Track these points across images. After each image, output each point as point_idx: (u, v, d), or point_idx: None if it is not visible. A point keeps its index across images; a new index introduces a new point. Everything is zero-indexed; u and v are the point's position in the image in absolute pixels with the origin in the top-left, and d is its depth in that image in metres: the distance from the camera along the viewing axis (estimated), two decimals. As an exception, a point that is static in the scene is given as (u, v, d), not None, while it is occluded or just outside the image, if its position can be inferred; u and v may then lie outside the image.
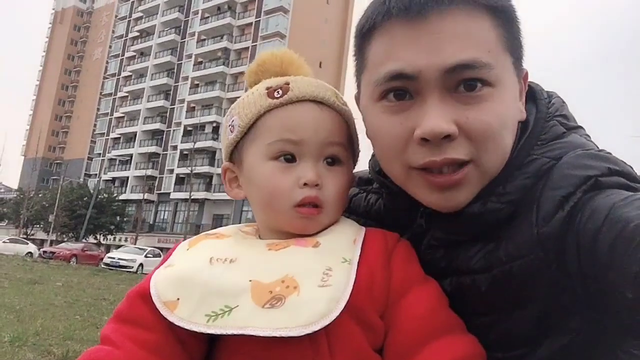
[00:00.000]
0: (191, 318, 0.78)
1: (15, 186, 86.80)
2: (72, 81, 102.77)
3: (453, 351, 0.79)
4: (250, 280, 0.79)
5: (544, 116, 0.92)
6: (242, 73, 66.58)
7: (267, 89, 0.93)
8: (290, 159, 0.89)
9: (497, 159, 0.84)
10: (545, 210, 0.79)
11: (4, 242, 35.21)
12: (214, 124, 63.35)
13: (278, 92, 0.91)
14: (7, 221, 70.39)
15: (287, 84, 0.92)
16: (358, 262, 0.84)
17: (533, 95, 0.96)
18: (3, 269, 14.69)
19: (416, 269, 0.88)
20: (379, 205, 1.05)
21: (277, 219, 0.91)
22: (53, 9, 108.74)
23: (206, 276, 0.81)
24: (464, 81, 0.80)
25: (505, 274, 0.82)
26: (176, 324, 0.79)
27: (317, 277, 0.80)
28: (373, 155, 1.03)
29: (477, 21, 0.81)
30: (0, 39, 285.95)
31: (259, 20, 66.77)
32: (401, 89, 0.83)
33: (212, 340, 0.83)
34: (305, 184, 0.87)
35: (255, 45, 66.08)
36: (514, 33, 0.86)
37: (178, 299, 0.81)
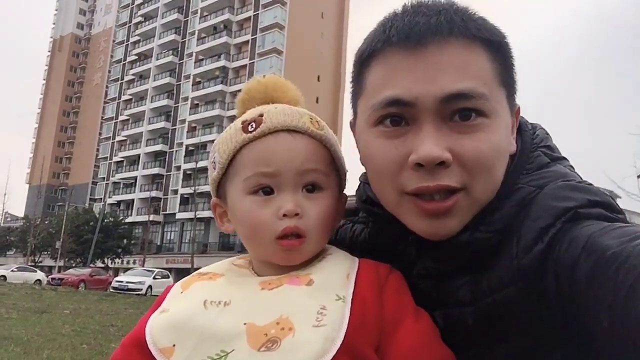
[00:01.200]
0: None
1: (21, 214, 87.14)
2: (73, 107, 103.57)
3: None
4: (245, 324, 0.79)
5: (528, 147, 0.94)
6: (240, 91, 66.87)
7: (242, 123, 0.93)
8: (269, 191, 0.89)
9: (489, 188, 0.86)
10: (524, 241, 0.80)
11: (12, 270, 35.33)
12: (216, 143, 63.48)
13: (252, 125, 0.91)
14: (14, 249, 70.62)
15: (261, 115, 0.92)
16: (352, 299, 0.84)
17: (518, 126, 0.98)
18: (11, 299, 14.75)
19: (408, 301, 0.88)
20: (364, 235, 1.05)
21: (261, 252, 0.92)
22: (51, 37, 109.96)
23: (201, 321, 0.81)
24: (459, 111, 0.82)
25: (489, 306, 0.82)
26: None
27: (312, 317, 0.80)
28: (360, 185, 1.05)
29: (474, 54, 0.83)
30: (0, 68, 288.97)
31: (255, 37, 67.31)
32: (397, 115, 0.84)
33: None
34: (284, 215, 0.87)
35: (253, 62, 66.61)
36: (509, 68, 0.89)
37: (174, 345, 0.81)
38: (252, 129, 0.91)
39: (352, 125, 0.99)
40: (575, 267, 0.72)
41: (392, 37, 0.84)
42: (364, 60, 0.90)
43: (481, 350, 0.85)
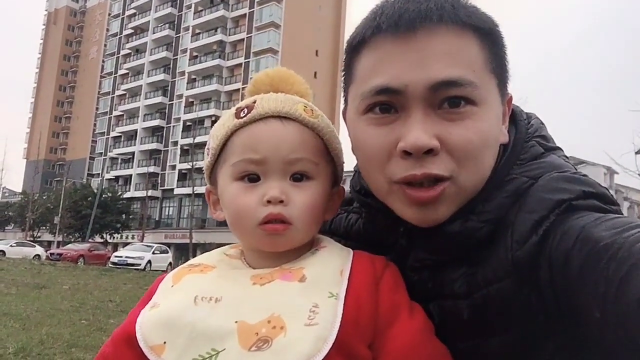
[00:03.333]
0: None
1: (19, 189, 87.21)
2: (70, 82, 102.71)
3: None
4: (236, 322, 0.78)
5: (523, 137, 0.94)
6: (238, 65, 66.41)
7: (237, 109, 0.93)
8: (255, 178, 0.88)
9: (477, 177, 0.85)
10: (519, 233, 0.80)
11: (11, 245, 35.38)
12: (213, 118, 63.16)
13: (244, 111, 0.91)
14: (13, 224, 70.79)
15: (255, 102, 0.92)
16: (345, 295, 0.83)
17: (512, 116, 0.97)
18: (10, 274, 14.79)
19: (403, 297, 0.87)
20: (358, 225, 1.05)
21: (246, 238, 0.92)
22: (46, 10, 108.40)
23: (191, 318, 0.80)
24: (449, 98, 0.82)
25: (483, 298, 0.82)
26: None
27: (304, 316, 0.79)
28: (354, 174, 1.04)
29: (464, 41, 0.83)
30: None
31: (253, 11, 66.42)
32: (387, 103, 0.84)
33: None
34: (269, 202, 0.86)
35: (251, 36, 65.85)
36: (500, 56, 0.88)
37: (165, 342, 0.80)
38: (244, 114, 0.90)
39: (344, 113, 0.98)
40: (568, 259, 0.73)
41: (381, 24, 0.84)
42: (354, 47, 0.90)
43: (476, 342, 0.84)
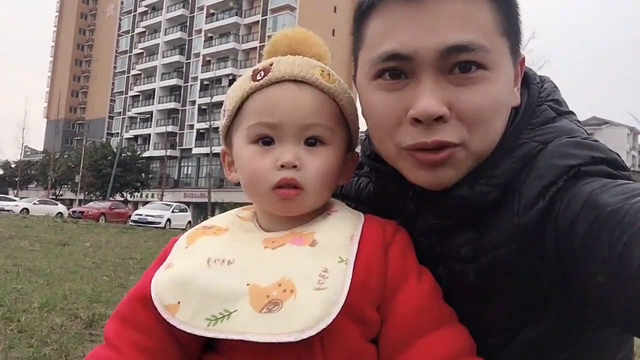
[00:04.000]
0: (192, 322, 0.80)
1: (40, 148, 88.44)
2: (87, 40, 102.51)
3: (445, 344, 0.81)
4: (247, 284, 0.80)
5: (535, 100, 0.93)
6: (255, 23, 65.50)
7: (253, 71, 0.93)
8: (269, 141, 0.88)
9: (487, 142, 0.85)
10: (526, 199, 0.80)
11: (34, 203, 36.16)
12: (230, 77, 62.88)
13: (260, 74, 0.91)
14: (35, 183, 72.10)
15: (272, 64, 0.92)
16: (355, 260, 0.84)
17: (526, 79, 0.96)
18: (34, 231, 15.08)
19: (412, 262, 0.88)
20: (369, 188, 1.05)
21: (259, 201, 0.92)
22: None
23: (205, 280, 0.82)
24: (459, 63, 0.80)
25: (489, 262, 0.83)
26: (178, 327, 0.81)
27: (314, 280, 0.80)
28: (364, 139, 1.04)
29: (475, 4, 0.81)
30: (13, 3, 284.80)
31: (270, -34, 65.07)
32: (396, 69, 0.83)
33: (210, 339, 0.84)
34: (282, 166, 0.86)
35: (268, -7, 64.65)
36: (513, 18, 0.86)
37: (179, 302, 0.82)
38: (260, 77, 0.90)
39: (354, 78, 0.97)
40: (574, 224, 0.73)
41: None
42: (363, 12, 0.88)
43: (482, 305, 0.86)
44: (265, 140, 0.88)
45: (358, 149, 1.06)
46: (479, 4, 0.81)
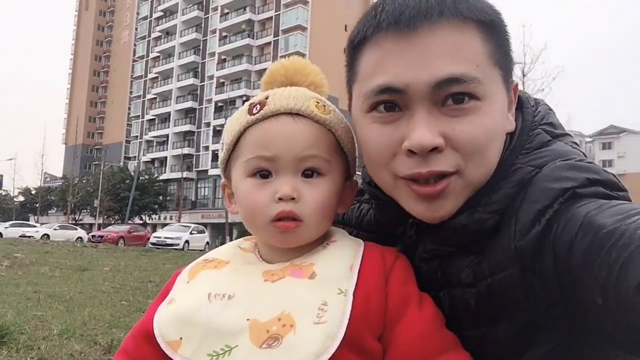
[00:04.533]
0: (194, 357, 0.81)
1: (59, 174, 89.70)
2: (103, 66, 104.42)
3: None
4: (247, 319, 0.81)
5: (529, 125, 0.93)
6: (267, 44, 66.23)
7: (250, 105, 0.93)
8: (267, 174, 0.89)
9: (483, 171, 0.85)
10: (522, 223, 0.80)
11: (54, 229, 36.66)
12: (244, 98, 63.43)
13: (256, 107, 0.91)
14: (55, 208, 72.98)
15: (267, 98, 0.92)
16: (354, 291, 0.84)
17: (520, 103, 0.97)
18: (54, 257, 15.25)
19: (413, 289, 0.88)
20: (370, 215, 1.06)
21: (259, 234, 0.93)
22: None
23: (205, 315, 0.83)
24: (452, 95, 0.81)
25: (488, 287, 0.83)
26: None
27: (313, 313, 0.80)
28: (364, 166, 1.03)
29: (466, 36, 0.82)
30: (31, 31, 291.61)
31: (280, -12, 65.94)
32: (390, 102, 0.84)
33: None
34: (280, 199, 0.87)
35: (279, 14, 65.51)
36: (504, 47, 0.87)
37: (181, 338, 0.83)
38: (256, 111, 0.91)
39: (350, 109, 0.98)
40: (571, 247, 0.73)
41: (382, 22, 0.83)
42: (356, 46, 0.89)
43: (483, 330, 0.85)
44: (263, 173, 0.89)
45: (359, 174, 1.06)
46: (469, 36, 0.82)
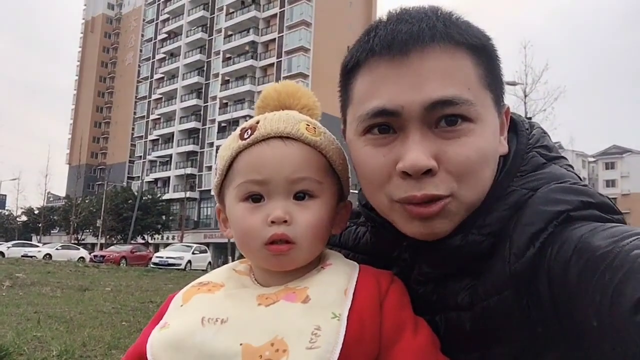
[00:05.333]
0: None
1: (62, 194, 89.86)
2: (108, 87, 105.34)
3: None
4: (240, 344, 0.80)
5: (524, 147, 0.94)
6: (271, 65, 66.77)
7: (241, 130, 0.94)
8: (259, 198, 0.89)
9: (476, 192, 0.86)
10: (516, 246, 0.80)
11: (57, 249, 36.65)
12: (247, 118, 63.34)
13: (247, 132, 0.92)
14: (58, 228, 72.98)
15: (258, 122, 0.93)
16: (348, 315, 0.83)
17: (514, 126, 0.98)
18: (56, 277, 15.24)
19: (408, 314, 0.88)
20: (366, 238, 1.06)
21: (253, 258, 0.93)
22: (83, 19, 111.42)
23: (199, 340, 0.83)
24: (445, 117, 0.82)
25: (483, 310, 0.83)
26: None
27: (306, 338, 0.80)
28: (360, 189, 1.04)
29: (458, 60, 0.83)
30: (37, 51, 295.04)
31: (284, 10, 66.83)
32: (384, 124, 0.85)
33: None
34: (273, 222, 0.87)
35: (282, 35, 66.20)
36: (494, 71, 0.89)
37: None
38: (247, 136, 0.91)
39: (343, 132, 0.99)
40: (566, 269, 0.73)
41: (375, 47, 0.85)
42: (349, 71, 0.91)
43: (479, 354, 0.85)
44: (255, 197, 0.89)
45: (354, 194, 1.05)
46: (461, 60, 0.83)
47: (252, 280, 0.94)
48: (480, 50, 0.86)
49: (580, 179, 0.90)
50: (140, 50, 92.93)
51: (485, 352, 0.84)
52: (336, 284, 0.88)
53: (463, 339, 0.86)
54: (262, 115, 0.96)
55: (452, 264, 0.89)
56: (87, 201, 66.81)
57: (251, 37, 68.74)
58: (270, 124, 0.92)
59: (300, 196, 0.90)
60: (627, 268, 0.64)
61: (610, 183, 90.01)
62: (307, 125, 0.94)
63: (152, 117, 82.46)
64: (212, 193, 1.02)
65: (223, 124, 68.67)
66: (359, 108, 0.88)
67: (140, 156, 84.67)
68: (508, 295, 0.80)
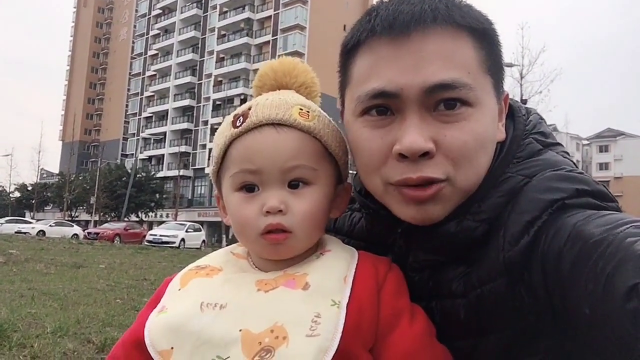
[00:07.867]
0: None
1: (56, 170, 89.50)
2: (101, 63, 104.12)
3: None
4: (240, 330, 0.80)
5: (520, 134, 0.94)
6: (266, 43, 66.18)
7: (234, 117, 0.93)
8: (253, 188, 0.88)
9: (473, 177, 0.85)
10: (511, 234, 0.80)
11: (50, 225, 36.60)
12: (242, 97, 63.45)
13: (240, 120, 0.91)
14: (51, 205, 72.83)
15: (250, 109, 0.92)
16: (348, 302, 0.83)
17: (511, 112, 0.97)
18: (50, 254, 15.19)
19: (405, 302, 0.88)
20: (361, 223, 1.06)
21: (250, 247, 0.93)
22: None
23: (197, 325, 0.82)
24: (444, 100, 0.82)
25: (477, 298, 0.83)
26: None
27: (306, 326, 0.79)
28: (356, 174, 1.03)
29: (459, 42, 0.83)
30: (29, 27, 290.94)
31: (280, -13, 65.91)
32: (383, 106, 0.84)
33: None
34: (268, 212, 0.86)
35: (278, 13, 65.50)
36: (495, 56, 0.88)
37: (172, 347, 0.82)
38: (240, 123, 0.90)
39: (341, 113, 0.98)
40: (560, 257, 0.73)
41: (376, 27, 0.84)
42: (349, 50, 0.90)
43: (473, 341, 0.85)
44: (249, 187, 0.89)
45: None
46: (462, 43, 0.83)
47: (250, 264, 0.94)
48: (482, 34, 0.85)
49: (576, 166, 0.89)
50: (134, 26, 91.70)
51: (479, 339, 0.85)
52: (336, 271, 0.88)
53: (457, 326, 0.86)
54: (255, 101, 0.94)
55: (447, 250, 0.88)
56: (80, 178, 66.60)
57: (246, 14, 68.02)
58: (262, 110, 0.90)
59: (294, 184, 0.88)
60: (620, 256, 0.64)
61: (604, 166, 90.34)
62: (301, 109, 0.92)
63: (146, 94, 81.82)
64: (210, 179, 1.02)
65: (218, 102, 68.26)
66: (357, 89, 0.87)
67: (134, 133, 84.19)
68: (502, 283, 0.80)
